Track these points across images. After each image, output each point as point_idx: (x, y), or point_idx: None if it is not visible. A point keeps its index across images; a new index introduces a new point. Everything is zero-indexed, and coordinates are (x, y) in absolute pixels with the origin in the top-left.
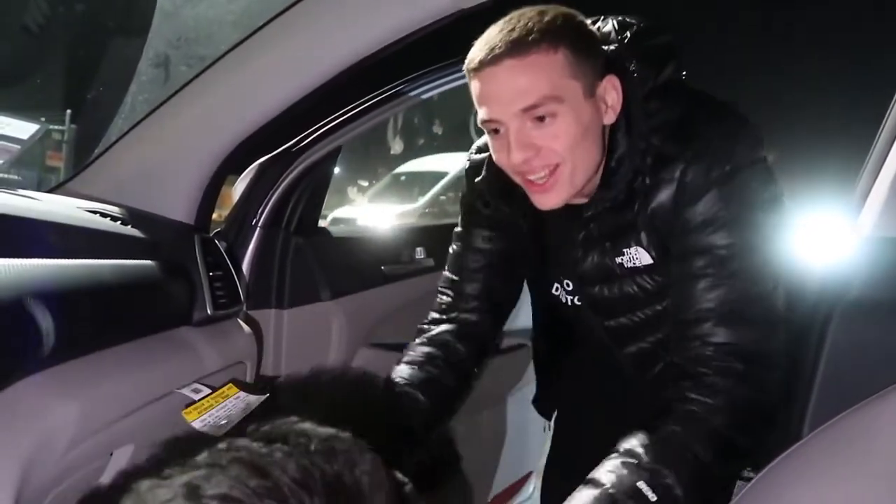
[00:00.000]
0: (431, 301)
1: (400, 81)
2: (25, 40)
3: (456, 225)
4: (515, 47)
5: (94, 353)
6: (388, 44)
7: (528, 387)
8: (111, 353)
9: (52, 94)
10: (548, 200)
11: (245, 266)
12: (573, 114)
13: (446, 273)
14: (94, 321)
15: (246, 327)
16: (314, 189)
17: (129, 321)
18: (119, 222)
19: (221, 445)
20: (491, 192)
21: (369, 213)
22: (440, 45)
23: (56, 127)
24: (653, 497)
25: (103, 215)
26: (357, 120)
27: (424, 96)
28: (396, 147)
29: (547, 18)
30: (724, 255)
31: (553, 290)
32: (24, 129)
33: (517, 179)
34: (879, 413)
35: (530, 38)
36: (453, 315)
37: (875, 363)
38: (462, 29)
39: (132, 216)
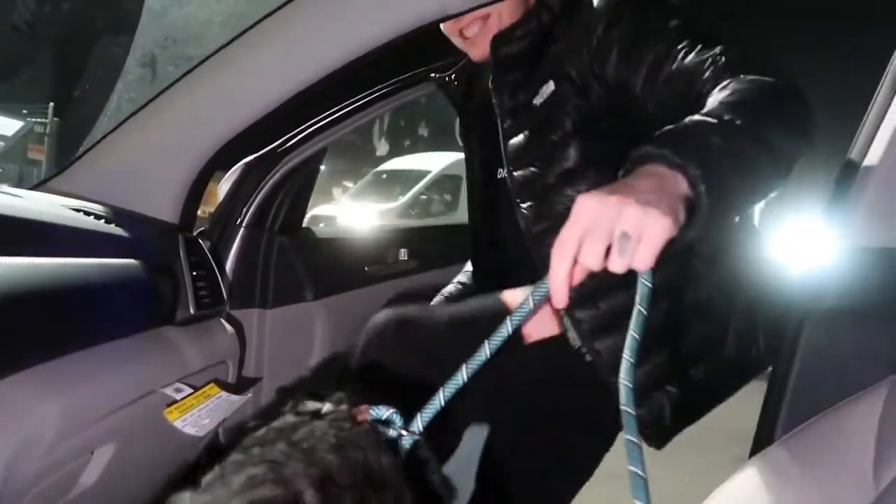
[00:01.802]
0: (415, 303)
1: (386, 83)
2: (13, 37)
3: (438, 226)
4: None
5: (76, 352)
6: (375, 47)
7: None
8: (94, 352)
9: (38, 88)
10: (480, 50)
11: (229, 265)
12: None
13: None
14: (77, 320)
15: (229, 327)
16: (299, 189)
17: (112, 320)
18: (103, 221)
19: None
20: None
21: (349, 211)
22: (426, 47)
23: (38, 120)
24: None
25: (87, 213)
26: (343, 121)
27: (410, 98)
28: (382, 149)
29: None
30: (675, 35)
31: (498, 175)
32: (8, 125)
33: (458, 42)
34: (849, 418)
35: None
36: None
37: (846, 370)
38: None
39: (116, 215)
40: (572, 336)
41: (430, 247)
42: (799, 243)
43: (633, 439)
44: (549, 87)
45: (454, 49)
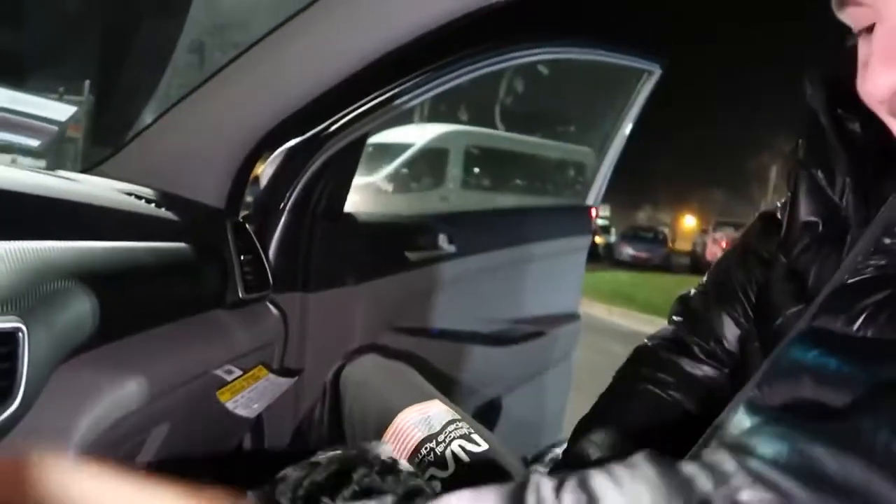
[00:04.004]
0: (453, 288)
1: (428, 68)
2: (60, 20)
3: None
4: None
5: (135, 335)
6: (422, 33)
7: (548, 372)
8: (150, 334)
9: (80, 69)
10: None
11: (272, 249)
12: None
13: None
14: (135, 304)
15: (275, 310)
16: (341, 174)
17: (166, 304)
18: (153, 205)
19: None
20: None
21: None
22: (469, 33)
23: (75, 98)
24: None
25: (139, 197)
26: (385, 107)
27: (452, 84)
28: None
29: None
30: None
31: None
32: (61, 110)
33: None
34: None
35: None
36: None
37: None
38: (493, 18)
39: (166, 199)
40: None
41: (470, 232)
42: None
43: None
44: None
45: (496, 34)
